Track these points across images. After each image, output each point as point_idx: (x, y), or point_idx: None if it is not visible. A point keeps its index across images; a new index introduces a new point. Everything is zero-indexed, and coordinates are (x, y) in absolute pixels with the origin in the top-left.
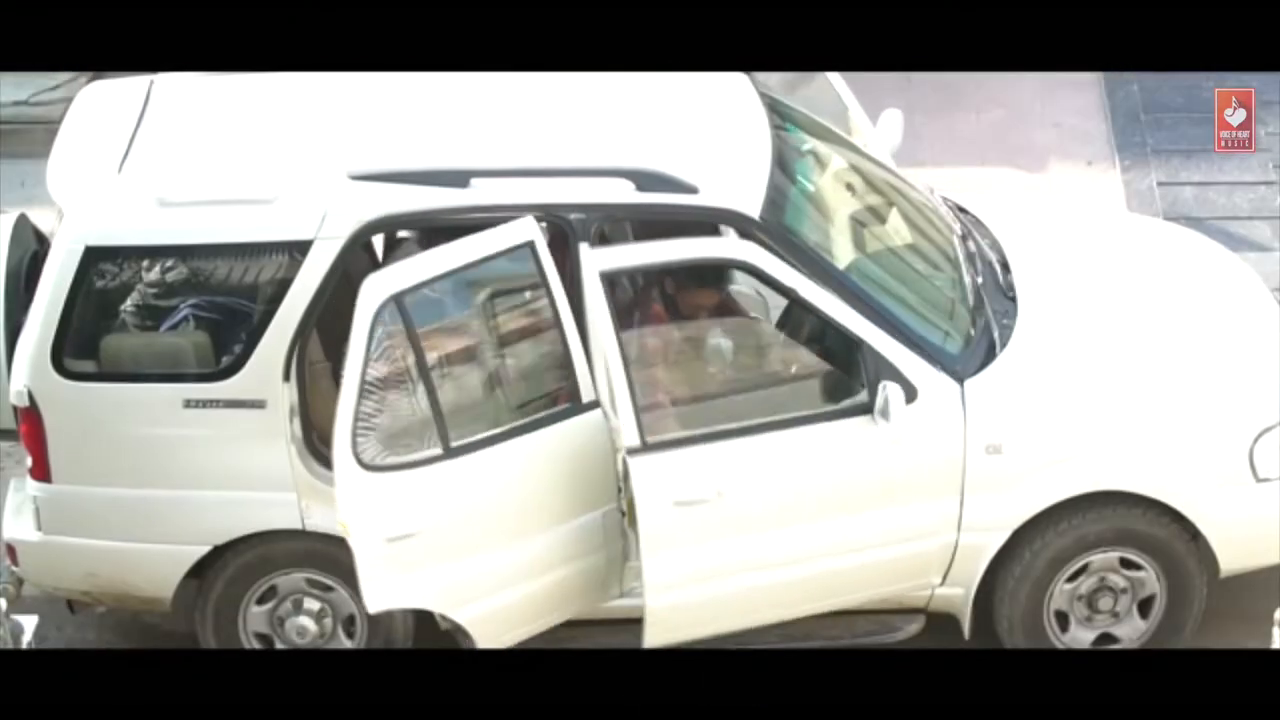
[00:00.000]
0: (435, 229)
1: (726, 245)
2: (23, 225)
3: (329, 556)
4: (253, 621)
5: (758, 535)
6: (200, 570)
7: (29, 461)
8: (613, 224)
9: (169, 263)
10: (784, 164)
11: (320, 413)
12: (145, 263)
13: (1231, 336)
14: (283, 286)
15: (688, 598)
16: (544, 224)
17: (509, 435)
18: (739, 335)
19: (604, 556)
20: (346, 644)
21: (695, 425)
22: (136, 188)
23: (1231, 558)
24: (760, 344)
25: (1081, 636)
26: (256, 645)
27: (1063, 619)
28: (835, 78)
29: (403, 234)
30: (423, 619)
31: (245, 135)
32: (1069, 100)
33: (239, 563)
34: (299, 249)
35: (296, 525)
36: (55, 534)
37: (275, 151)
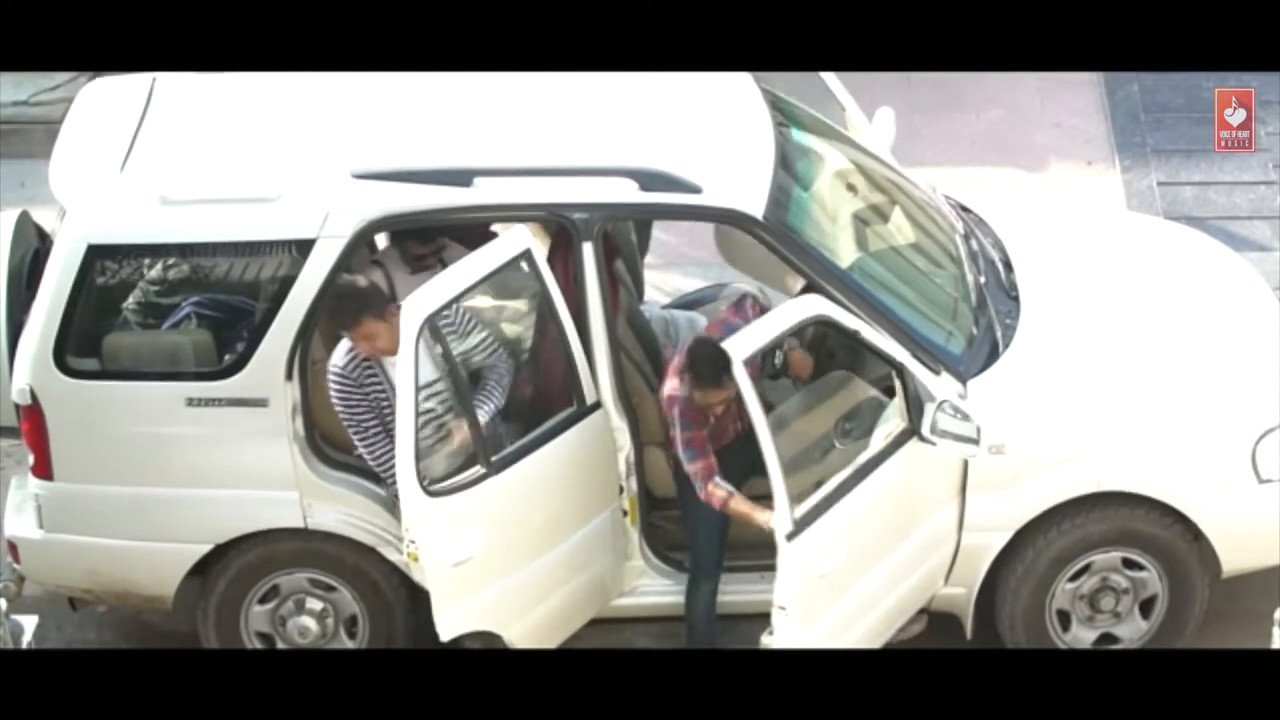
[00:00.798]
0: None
1: (810, 305)
2: (25, 223)
3: (331, 556)
4: (254, 621)
5: (857, 580)
6: (202, 569)
7: (31, 459)
8: (616, 223)
9: (171, 261)
10: (787, 163)
11: (322, 412)
12: (147, 261)
13: (1233, 337)
14: (285, 285)
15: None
16: (547, 224)
17: (534, 445)
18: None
19: (612, 556)
20: (348, 644)
21: (801, 492)
22: (139, 186)
23: (1233, 558)
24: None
25: (1083, 636)
26: (258, 645)
27: (1064, 619)
28: (831, 77)
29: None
30: (422, 619)
31: (248, 134)
32: (1069, 100)
33: (241, 562)
34: (302, 247)
35: (299, 524)
36: (57, 532)
37: (278, 150)
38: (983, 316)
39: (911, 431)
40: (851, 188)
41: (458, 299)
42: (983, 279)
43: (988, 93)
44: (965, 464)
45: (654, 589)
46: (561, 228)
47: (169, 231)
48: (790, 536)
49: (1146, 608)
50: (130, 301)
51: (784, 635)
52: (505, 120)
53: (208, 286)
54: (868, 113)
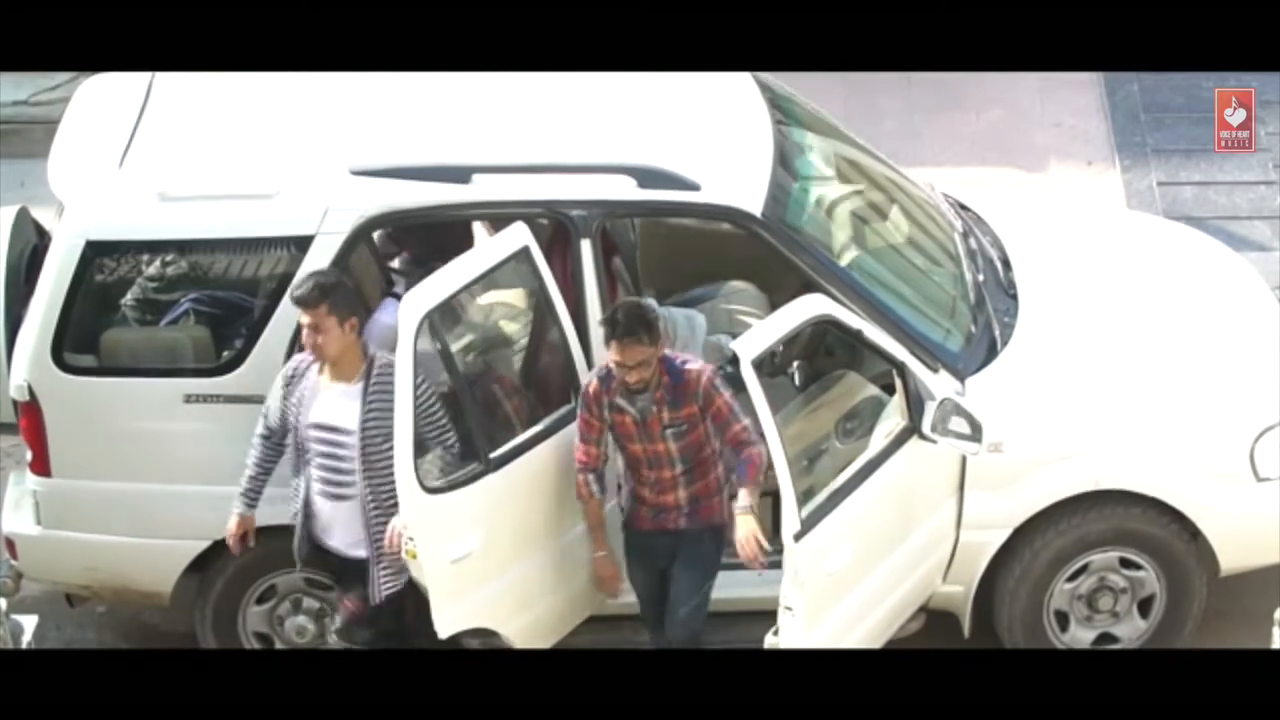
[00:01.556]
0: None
1: (813, 305)
2: (23, 219)
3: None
4: (252, 621)
5: (862, 579)
6: (199, 567)
7: (29, 456)
8: (614, 220)
9: (170, 257)
10: (786, 161)
11: None
12: (146, 257)
13: (1232, 336)
14: (284, 282)
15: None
16: (546, 220)
17: (532, 442)
18: (740, 331)
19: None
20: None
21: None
22: (137, 182)
23: (1231, 557)
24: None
25: (1081, 636)
26: (255, 645)
27: (1063, 618)
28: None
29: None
30: (422, 619)
31: (246, 130)
32: (1069, 100)
33: (238, 561)
34: (300, 244)
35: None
36: (55, 528)
37: (277, 146)
38: (981, 314)
39: (912, 430)
40: (850, 185)
41: (456, 295)
42: (981, 277)
43: (988, 93)
44: (964, 462)
45: None
46: (560, 225)
47: (167, 228)
48: (797, 537)
49: (1145, 607)
50: (128, 298)
51: (790, 635)
52: (504, 117)
53: (206, 283)
54: (870, 114)
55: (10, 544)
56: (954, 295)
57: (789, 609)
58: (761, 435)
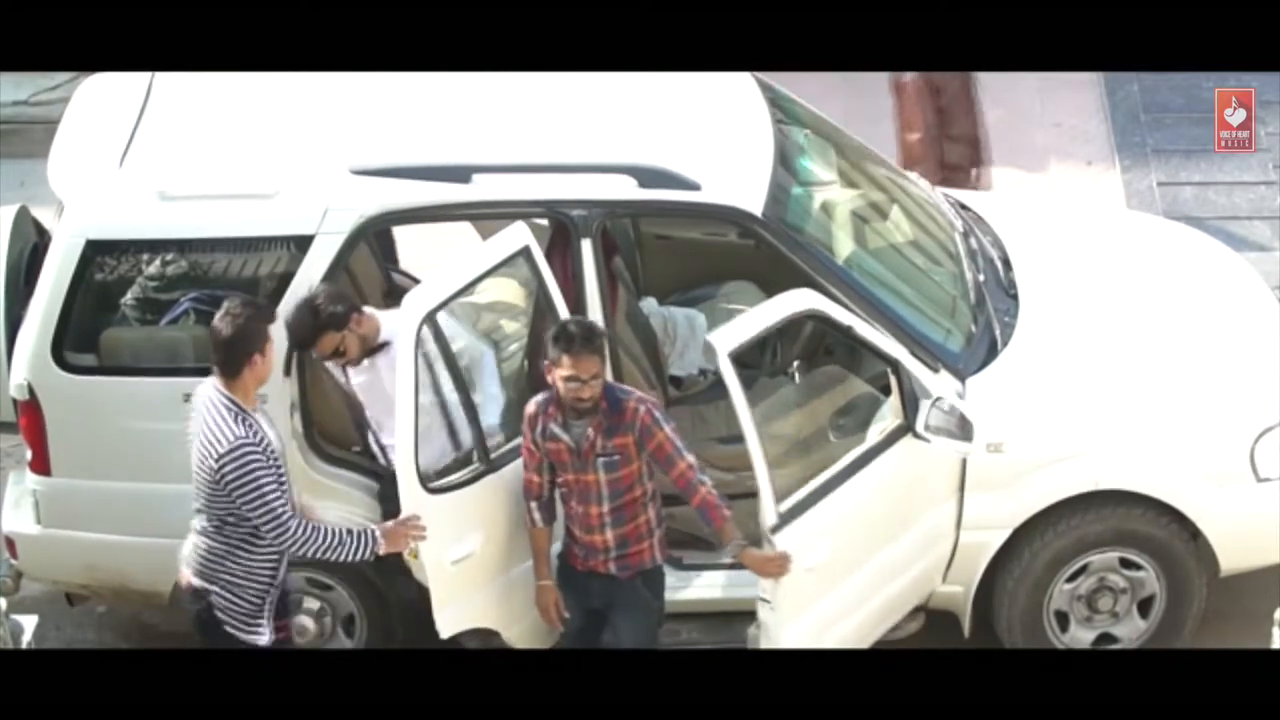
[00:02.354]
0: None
1: (802, 299)
2: (23, 218)
3: None
4: None
5: (847, 575)
6: None
7: (29, 455)
8: (615, 220)
9: (170, 256)
10: (786, 161)
11: (320, 408)
12: (146, 256)
13: (1232, 336)
14: (284, 281)
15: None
16: (546, 220)
17: None
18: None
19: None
20: (346, 643)
21: (789, 485)
22: (138, 181)
23: (1231, 557)
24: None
25: (1081, 636)
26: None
27: (1062, 619)
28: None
29: None
30: (422, 619)
31: (247, 130)
32: (1069, 100)
33: None
34: (300, 243)
35: None
36: (54, 527)
37: (277, 146)
38: (981, 314)
39: (906, 428)
40: (851, 185)
41: (458, 295)
42: (981, 277)
43: (988, 93)
44: (964, 462)
45: None
46: (560, 224)
47: (168, 227)
48: (774, 530)
49: (1145, 607)
50: (129, 297)
51: (769, 629)
52: (504, 117)
53: (206, 282)
54: (871, 114)
55: (10, 543)
56: (954, 295)
57: (766, 601)
58: (703, 469)
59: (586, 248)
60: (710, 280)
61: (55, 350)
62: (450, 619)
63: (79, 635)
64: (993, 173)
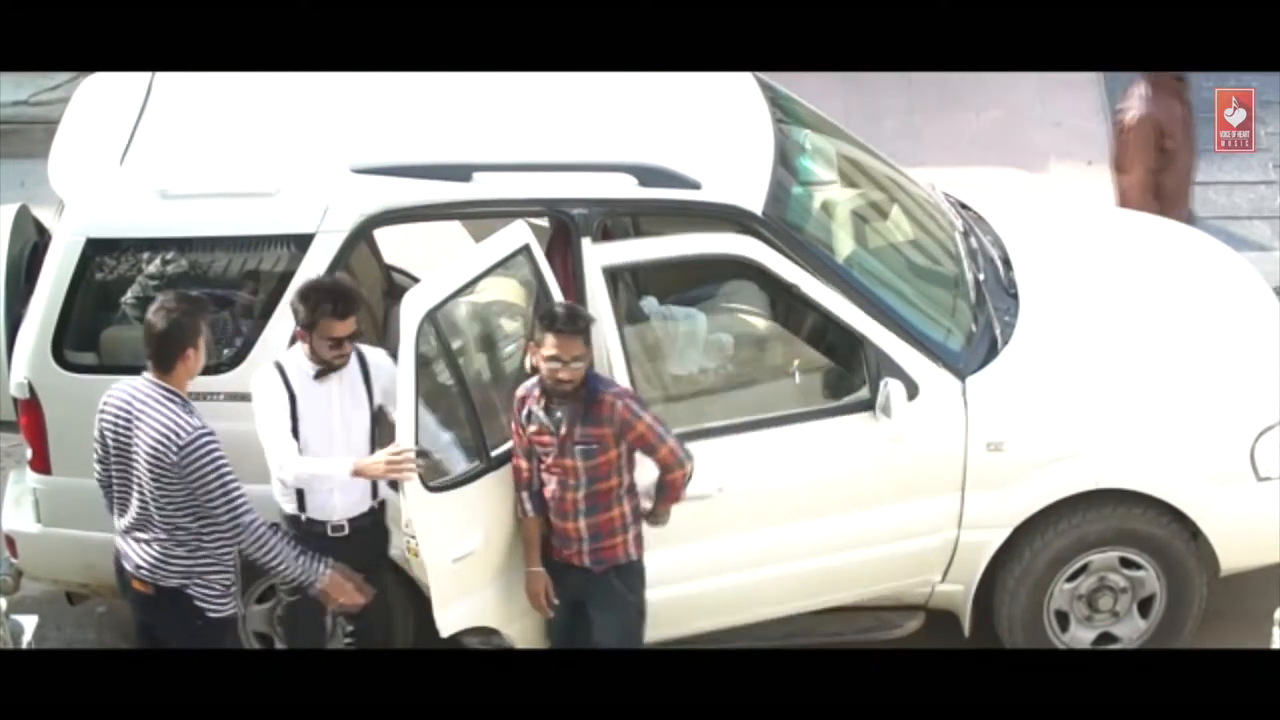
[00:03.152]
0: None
1: (728, 241)
2: (24, 217)
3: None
4: (252, 621)
5: (757, 531)
6: None
7: (29, 454)
8: (615, 219)
9: (170, 255)
10: (786, 160)
11: None
12: (146, 255)
13: (1232, 335)
14: (284, 280)
15: (686, 592)
16: (546, 219)
17: None
18: (740, 329)
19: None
20: (346, 643)
21: (694, 421)
22: (138, 180)
23: (1232, 557)
24: (762, 339)
25: (1081, 636)
26: (256, 645)
27: (1063, 618)
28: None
29: None
30: (422, 619)
31: (247, 128)
32: (1069, 100)
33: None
34: (300, 242)
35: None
36: (54, 526)
37: (277, 144)
38: (981, 314)
39: (863, 404)
40: (851, 184)
41: (458, 293)
42: (981, 276)
43: (988, 93)
44: (964, 460)
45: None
46: (561, 223)
47: (168, 225)
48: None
49: (1145, 607)
50: (129, 296)
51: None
52: (504, 116)
53: (207, 281)
54: (871, 114)
55: (10, 542)
56: (954, 294)
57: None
58: (689, 454)
59: (587, 246)
60: (710, 280)
61: (55, 349)
62: (451, 618)
63: (79, 635)
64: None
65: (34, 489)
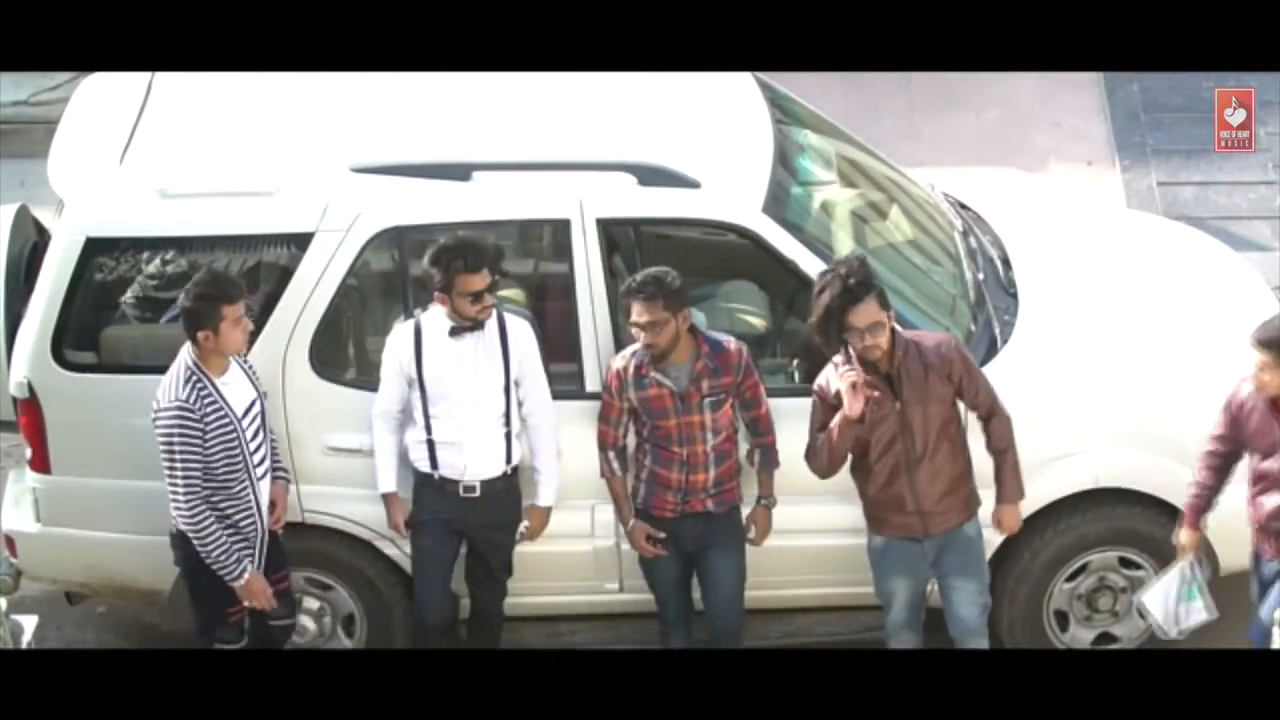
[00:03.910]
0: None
1: (730, 208)
2: (23, 216)
3: (327, 554)
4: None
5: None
6: None
7: (28, 453)
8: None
9: (170, 254)
10: (786, 160)
11: None
12: (146, 254)
13: (1232, 335)
14: (283, 279)
15: None
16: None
17: None
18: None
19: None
20: (346, 643)
21: None
22: (138, 179)
23: (1232, 557)
24: (761, 339)
25: (1081, 636)
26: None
27: (1062, 619)
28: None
29: None
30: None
31: (247, 127)
32: (1069, 100)
33: None
34: (300, 241)
35: (295, 518)
36: (54, 525)
37: (277, 144)
38: (981, 313)
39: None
40: (850, 185)
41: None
42: (981, 276)
43: (988, 93)
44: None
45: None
46: (561, 222)
47: (167, 225)
48: None
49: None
50: (128, 295)
51: None
52: (504, 116)
53: None
54: (871, 114)
55: (10, 541)
56: (954, 294)
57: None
58: None
59: (587, 245)
60: (710, 280)
61: (55, 348)
62: None
63: (79, 635)
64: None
65: (34, 489)
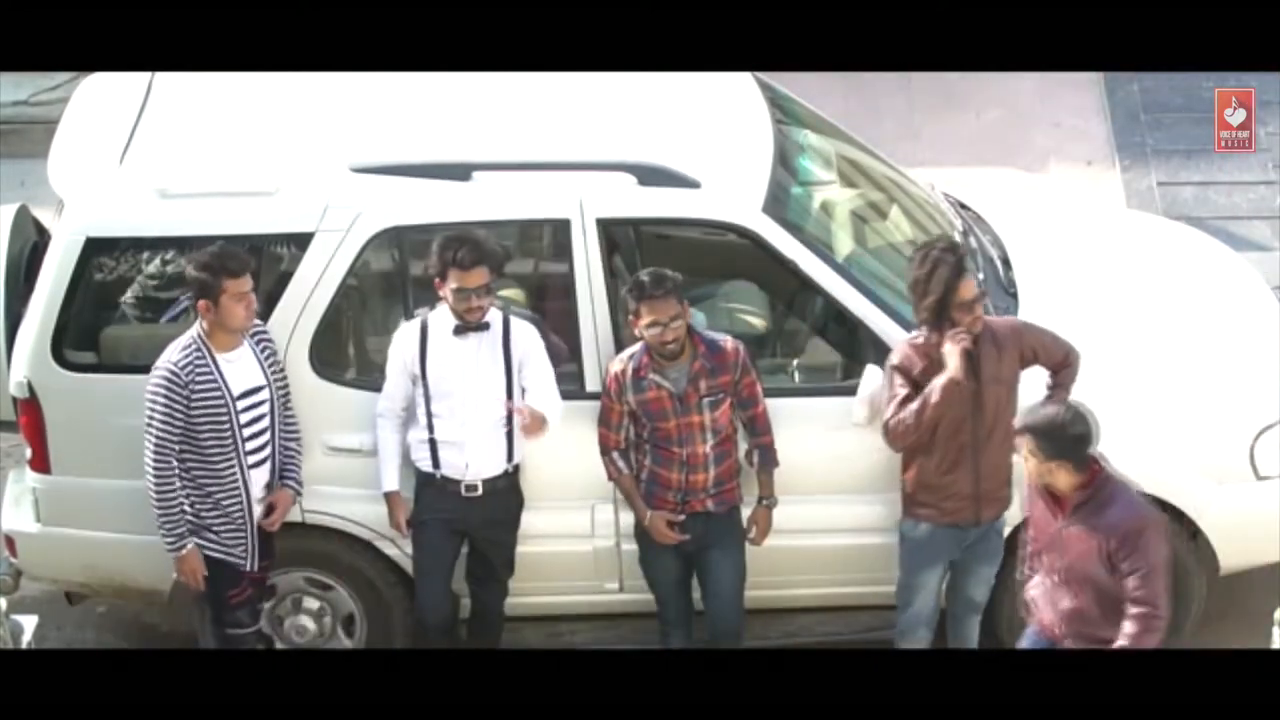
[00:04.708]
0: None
1: (730, 208)
2: (23, 216)
3: (327, 554)
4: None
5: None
6: None
7: (28, 453)
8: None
9: (169, 254)
10: (786, 160)
11: None
12: (146, 254)
13: (1232, 335)
14: (283, 279)
15: None
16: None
17: None
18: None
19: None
20: (346, 643)
21: None
22: (138, 179)
23: (1231, 556)
24: (761, 339)
25: None
26: (256, 645)
27: None
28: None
29: None
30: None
31: (247, 127)
32: (1069, 100)
33: None
34: (300, 241)
35: (295, 518)
36: (54, 525)
37: (277, 144)
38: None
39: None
40: (850, 185)
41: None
42: (981, 276)
43: (988, 93)
44: None
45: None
46: (561, 222)
47: (168, 225)
48: None
49: None
50: (128, 295)
51: None
52: (504, 115)
53: None
54: (872, 114)
55: (10, 541)
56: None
57: None
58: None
59: (587, 244)
60: (710, 280)
61: (55, 348)
62: None
63: (79, 635)
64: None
65: (34, 489)
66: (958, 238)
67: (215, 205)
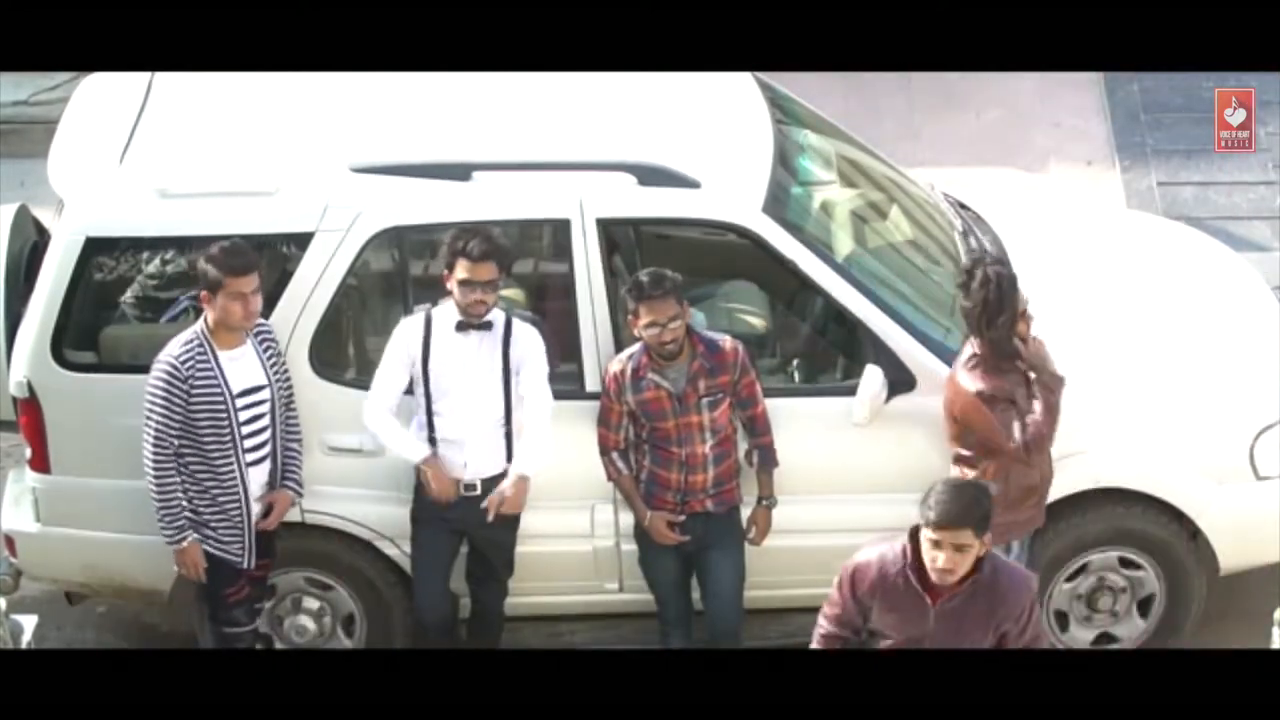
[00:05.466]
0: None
1: (730, 208)
2: (23, 216)
3: (327, 554)
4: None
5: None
6: None
7: (28, 453)
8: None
9: (169, 254)
10: (786, 160)
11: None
12: (146, 254)
13: (1232, 335)
14: (283, 279)
15: None
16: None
17: None
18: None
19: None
20: (346, 643)
21: None
22: (137, 179)
23: (1231, 556)
24: (761, 339)
25: (1081, 636)
26: (256, 645)
27: (1062, 619)
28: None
29: None
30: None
31: (247, 127)
32: (1069, 100)
33: None
34: (300, 241)
35: (295, 518)
36: (54, 525)
37: (277, 144)
38: None
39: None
40: (850, 185)
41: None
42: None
43: (988, 93)
44: None
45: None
46: (561, 222)
47: (167, 224)
48: None
49: (1144, 607)
50: (128, 295)
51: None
52: (504, 115)
53: None
54: (872, 113)
55: (10, 541)
56: (954, 294)
57: None
58: None
59: (587, 244)
60: (710, 280)
61: (55, 348)
62: None
63: (79, 635)
64: (992, 173)
65: (33, 488)
66: (957, 237)
67: (215, 205)
